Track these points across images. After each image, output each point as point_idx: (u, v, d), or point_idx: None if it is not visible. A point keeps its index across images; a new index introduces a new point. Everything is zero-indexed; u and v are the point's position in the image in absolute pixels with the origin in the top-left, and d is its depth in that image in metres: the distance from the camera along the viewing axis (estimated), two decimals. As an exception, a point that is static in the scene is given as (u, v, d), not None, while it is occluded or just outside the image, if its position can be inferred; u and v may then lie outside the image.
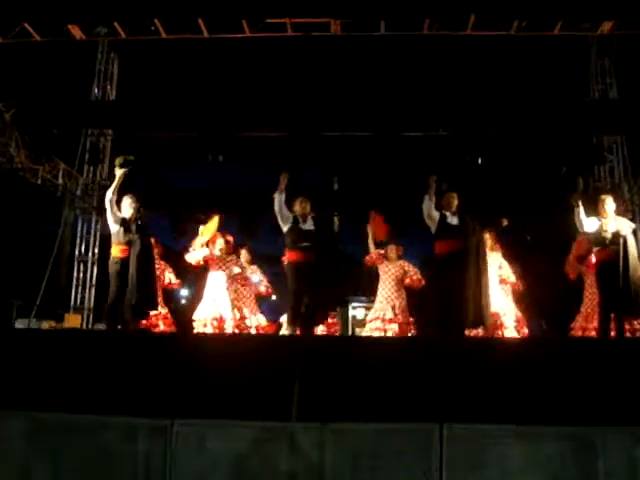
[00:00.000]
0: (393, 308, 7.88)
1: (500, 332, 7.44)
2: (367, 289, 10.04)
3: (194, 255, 7.87)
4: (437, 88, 10.09)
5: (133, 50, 11.52)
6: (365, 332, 8.15)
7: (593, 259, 7.16)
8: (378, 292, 8.09)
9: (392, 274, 8.01)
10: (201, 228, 8.04)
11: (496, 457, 4.64)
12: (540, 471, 4.61)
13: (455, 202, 6.81)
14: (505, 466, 4.63)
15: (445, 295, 6.53)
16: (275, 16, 9.81)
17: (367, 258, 8.20)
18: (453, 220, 6.71)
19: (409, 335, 7.82)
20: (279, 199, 6.75)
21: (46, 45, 10.50)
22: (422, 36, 10.13)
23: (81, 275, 12.29)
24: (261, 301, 8.82)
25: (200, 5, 8.73)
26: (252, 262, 8.42)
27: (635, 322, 7.15)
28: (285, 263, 6.93)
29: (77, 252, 12.37)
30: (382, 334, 7.72)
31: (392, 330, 7.79)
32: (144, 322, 7.07)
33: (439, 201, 6.78)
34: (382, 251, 8.15)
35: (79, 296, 12.19)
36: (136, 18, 9.93)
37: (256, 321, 8.06)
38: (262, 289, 8.31)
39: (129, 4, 8.53)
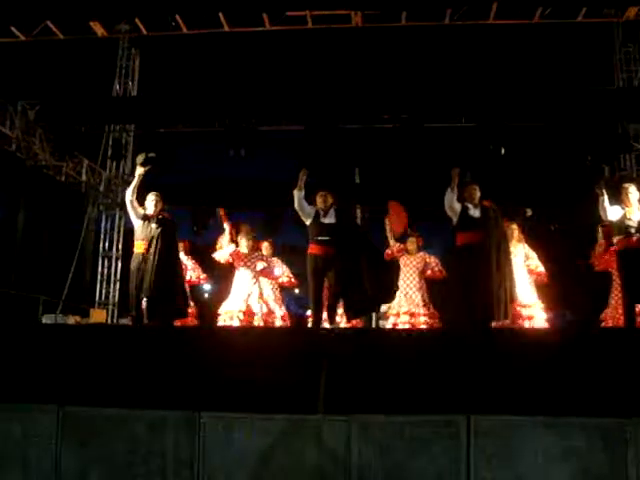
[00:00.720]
0: (412, 302, 7.88)
1: (528, 323, 7.41)
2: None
3: (222, 253, 8.03)
4: (460, 78, 9.99)
5: (154, 46, 11.55)
6: (388, 325, 8.15)
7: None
8: (399, 285, 8.07)
9: (413, 266, 8.02)
10: (225, 226, 8.13)
11: (524, 449, 4.62)
12: (569, 463, 4.57)
13: (477, 194, 6.76)
14: (533, 458, 4.60)
15: (466, 287, 6.50)
16: (295, 9, 9.80)
17: (387, 252, 8.17)
18: (475, 212, 6.67)
19: (435, 327, 7.80)
20: (298, 196, 6.77)
21: (68, 42, 10.59)
22: (444, 26, 10.06)
23: (105, 270, 12.38)
24: (286, 294, 8.90)
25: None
26: (273, 255, 8.49)
27: None
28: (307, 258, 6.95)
29: (101, 248, 12.47)
30: (409, 326, 7.73)
31: (418, 322, 7.79)
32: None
33: (461, 193, 6.74)
34: (402, 245, 8.14)
35: (104, 291, 12.30)
36: (157, 14, 9.97)
37: (281, 311, 8.18)
38: (285, 280, 8.38)
39: (150, 0, 8.57)
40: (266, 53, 10.44)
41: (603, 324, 7.62)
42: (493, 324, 6.58)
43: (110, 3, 8.43)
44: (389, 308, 8.61)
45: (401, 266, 8.10)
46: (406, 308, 7.90)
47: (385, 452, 4.69)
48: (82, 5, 8.43)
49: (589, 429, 4.58)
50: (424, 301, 7.95)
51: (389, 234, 8.24)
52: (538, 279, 7.88)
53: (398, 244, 8.15)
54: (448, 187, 6.64)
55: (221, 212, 8.22)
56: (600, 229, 7.70)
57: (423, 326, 7.84)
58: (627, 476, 4.46)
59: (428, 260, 8.09)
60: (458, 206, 6.65)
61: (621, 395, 4.73)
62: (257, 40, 10.37)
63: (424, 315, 7.86)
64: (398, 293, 8.05)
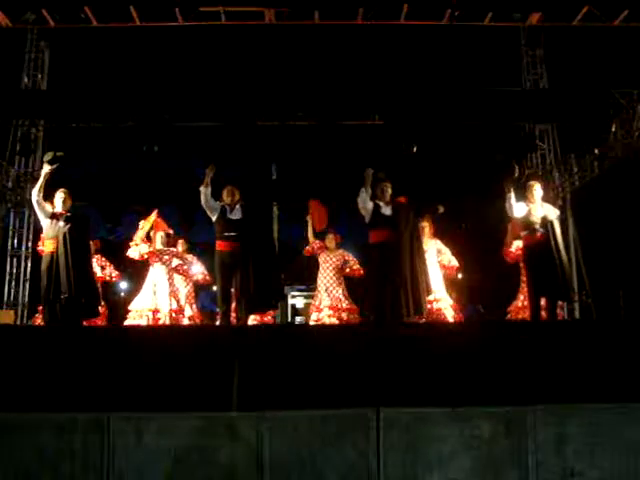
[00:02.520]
0: (334, 297, 7.97)
1: (439, 317, 7.59)
2: (307, 278, 10.11)
3: (135, 250, 7.95)
4: (372, 77, 10.15)
5: (64, 38, 11.21)
6: (312, 321, 8.21)
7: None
8: (318, 282, 8.19)
9: (332, 263, 8.11)
10: (141, 223, 8.07)
11: (432, 439, 4.77)
12: (474, 451, 4.75)
13: (389, 192, 6.91)
14: (440, 448, 4.76)
15: (380, 283, 6.63)
16: (208, 4, 9.71)
17: (307, 249, 8.29)
18: (386, 210, 6.82)
19: (355, 321, 7.91)
20: (205, 192, 6.79)
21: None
22: (356, 25, 10.17)
23: (14, 270, 11.95)
24: (200, 291, 8.85)
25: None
26: (188, 252, 8.44)
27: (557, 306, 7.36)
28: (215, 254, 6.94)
29: (9, 246, 12.02)
30: (333, 321, 7.81)
31: (341, 317, 7.88)
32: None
33: (373, 191, 6.88)
34: (322, 242, 8.22)
35: (12, 291, 11.86)
36: (65, 5, 9.68)
37: (191, 311, 8.15)
38: (199, 277, 8.34)
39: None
40: (180, 48, 10.31)
41: (509, 316, 7.91)
42: (405, 319, 6.74)
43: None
44: (306, 305, 8.69)
45: (320, 263, 8.20)
46: (328, 303, 7.98)
47: (298, 447, 4.75)
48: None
49: (493, 418, 4.77)
50: (344, 297, 8.05)
51: (309, 231, 8.33)
52: (449, 273, 8.10)
53: (318, 241, 8.24)
54: (361, 187, 6.78)
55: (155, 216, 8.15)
56: (509, 226, 8.00)
57: (344, 320, 7.94)
58: (527, 462, 4.67)
59: (347, 258, 8.20)
60: (370, 205, 6.78)
61: (521, 384, 4.94)
62: (170, 35, 10.21)
63: (345, 310, 7.97)
64: (318, 289, 8.15)
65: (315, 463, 4.74)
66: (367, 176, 6.80)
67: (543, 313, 6.88)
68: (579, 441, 4.71)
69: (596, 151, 10.05)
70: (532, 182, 7.25)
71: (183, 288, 8.21)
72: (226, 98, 9.46)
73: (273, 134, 10.62)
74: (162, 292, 7.86)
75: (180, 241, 8.46)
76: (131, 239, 8.13)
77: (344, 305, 7.98)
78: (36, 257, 9.65)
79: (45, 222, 6.58)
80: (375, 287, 6.69)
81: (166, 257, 8.02)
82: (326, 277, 8.11)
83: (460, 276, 8.53)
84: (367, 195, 6.78)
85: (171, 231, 8.34)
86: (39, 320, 7.72)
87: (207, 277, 8.37)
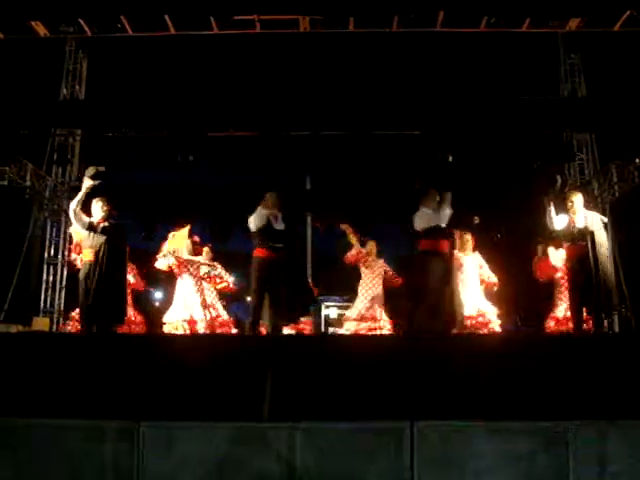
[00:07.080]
0: (371, 309, 7.88)
1: (486, 330, 7.45)
2: (341, 289, 10.01)
3: (163, 262, 8.05)
4: (407, 85, 10.05)
5: (102, 48, 11.34)
6: (344, 330, 8.11)
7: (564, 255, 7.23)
8: (361, 291, 8.05)
9: (375, 271, 8.03)
10: (170, 235, 8.10)
11: (468, 454, 4.63)
12: (512, 467, 4.60)
13: (437, 199, 6.78)
14: (477, 463, 4.62)
15: (429, 293, 6.49)
16: (243, 13, 9.73)
17: (348, 256, 8.14)
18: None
19: (390, 333, 7.82)
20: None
21: (10, 43, 10.28)
22: (392, 33, 10.10)
23: (51, 278, 12.07)
24: (232, 302, 8.85)
25: (166, 2, 8.63)
26: (214, 260, 8.45)
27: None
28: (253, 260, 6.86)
29: (46, 254, 12.16)
30: (370, 332, 7.72)
31: (378, 328, 7.79)
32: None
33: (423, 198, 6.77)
34: (364, 250, 8.12)
35: (49, 299, 11.99)
36: (101, 15, 9.79)
37: (226, 315, 8.19)
38: (223, 285, 8.31)
39: (93, 1, 8.39)
40: (214, 57, 10.34)
41: (549, 329, 7.75)
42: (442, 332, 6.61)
43: (51, 3, 8.21)
44: (340, 315, 8.61)
45: (366, 271, 8.07)
46: (364, 314, 7.89)
47: (330, 459, 4.65)
48: (21, 4, 8.19)
49: (531, 433, 4.62)
50: (382, 310, 7.95)
51: (353, 239, 8.21)
52: (487, 287, 7.97)
53: (360, 249, 8.12)
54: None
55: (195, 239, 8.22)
56: (539, 246, 7.90)
57: (383, 332, 7.83)
58: (568, 479, 4.50)
59: (386, 268, 8.12)
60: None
61: (562, 399, 4.78)
62: (205, 44, 10.27)
63: (384, 320, 7.88)
64: (360, 298, 8.03)
65: (348, 476, 4.63)
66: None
67: (585, 325, 6.74)
68: (622, 459, 4.53)
69: (637, 160, 9.82)
70: (572, 192, 7.12)
71: (210, 293, 8.19)
72: (261, 107, 9.44)
73: (307, 144, 10.57)
74: (193, 302, 7.87)
75: (205, 249, 8.46)
76: (158, 251, 8.16)
77: (383, 317, 7.88)
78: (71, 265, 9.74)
79: (83, 232, 6.66)
80: (425, 296, 6.53)
81: (192, 267, 8.01)
82: (365, 287, 8.01)
83: (495, 289, 8.38)
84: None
85: (197, 239, 8.36)
86: (70, 327, 7.78)
87: (231, 285, 8.35)
